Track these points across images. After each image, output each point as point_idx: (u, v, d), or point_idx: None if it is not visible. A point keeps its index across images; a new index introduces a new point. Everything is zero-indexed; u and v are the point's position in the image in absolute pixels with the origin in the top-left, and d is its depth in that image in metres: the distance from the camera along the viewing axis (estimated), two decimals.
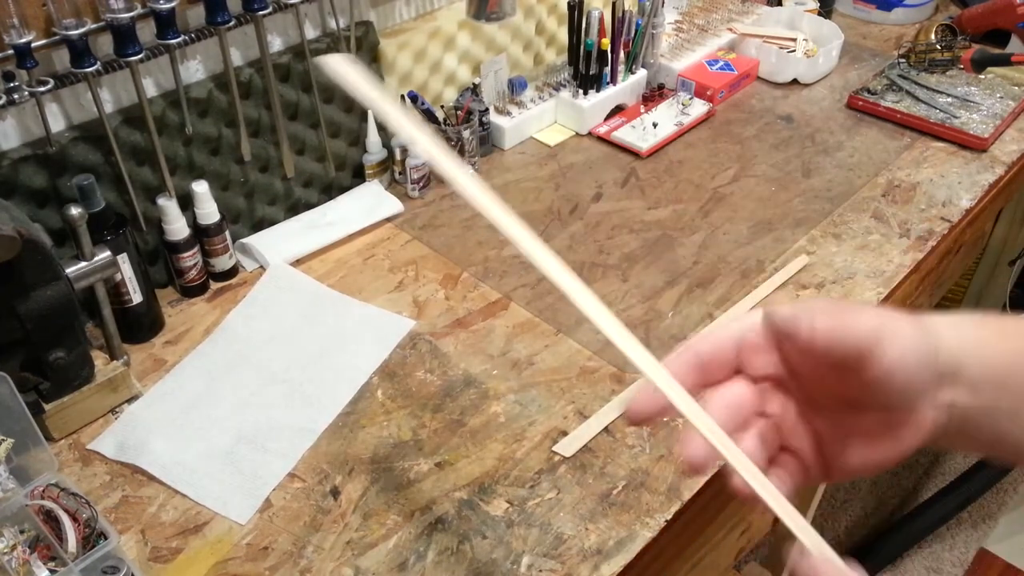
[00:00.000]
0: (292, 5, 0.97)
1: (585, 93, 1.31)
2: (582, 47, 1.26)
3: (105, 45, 0.87)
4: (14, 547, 0.68)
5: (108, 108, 0.91)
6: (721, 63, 1.43)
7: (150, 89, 0.94)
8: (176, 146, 0.97)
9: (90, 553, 0.68)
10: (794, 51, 1.46)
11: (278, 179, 1.09)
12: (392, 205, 1.15)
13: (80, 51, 0.83)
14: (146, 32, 0.88)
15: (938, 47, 1.42)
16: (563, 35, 1.34)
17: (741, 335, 0.41)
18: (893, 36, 1.61)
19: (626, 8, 1.30)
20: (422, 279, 1.05)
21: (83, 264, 0.83)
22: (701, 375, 0.41)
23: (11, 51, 0.79)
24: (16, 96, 0.80)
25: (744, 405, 0.41)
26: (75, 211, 0.79)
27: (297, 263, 1.07)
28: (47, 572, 0.67)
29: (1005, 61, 1.32)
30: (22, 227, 0.74)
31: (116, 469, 0.82)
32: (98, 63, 0.84)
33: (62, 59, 0.85)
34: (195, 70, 0.97)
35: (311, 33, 1.06)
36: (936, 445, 0.41)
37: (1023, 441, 0.40)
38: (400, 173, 1.19)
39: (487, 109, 1.25)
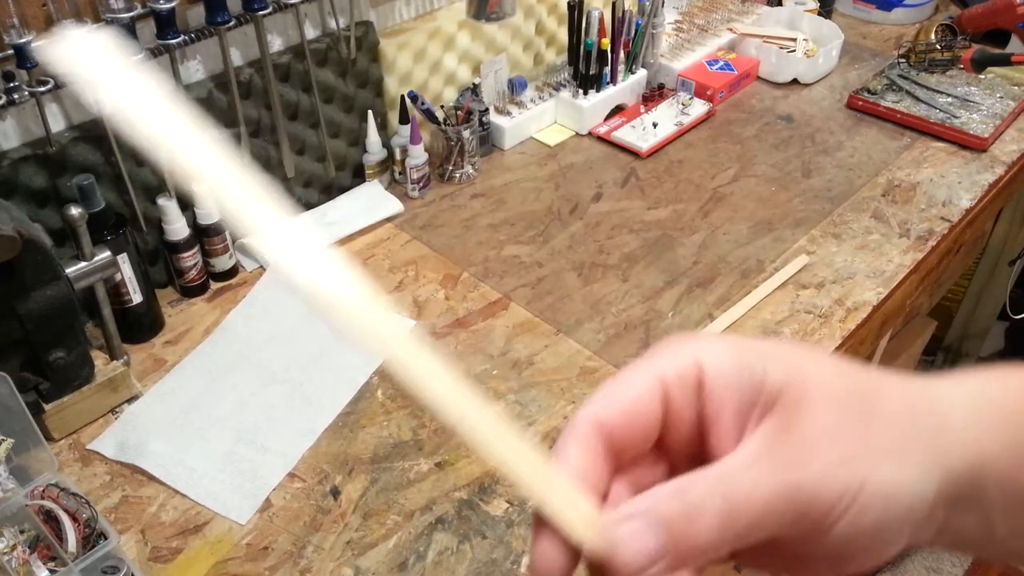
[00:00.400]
0: (292, 5, 0.97)
1: (585, 93, 1.31)
2: (582, 47, 1.26)
3: None
4: (14, 547, 0.68)
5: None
6: (721, 63, 1.43)
7: None
8: None
9: (90, 553, 0.68)
10: (794, 51, 1.46)
11: (278, 179, 1.09)
12: (392, 205, 1.15)
13: None
14: (146, 32, 0.88)
15: (938, 47, 1.42)
16: (563, 35, 1.34)
17: (664, 391, 0.27)
18: (893, 36, 1.61)
19: (626, 8, 1.30)
20: (422, 279, 1.05)
21: (83, 264, 0.83)
22: (610, 460, 0.27)
23: (11, 51, 0.79)
24: (16, 96, 0.80)
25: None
26: (75, 211, 0.79)
27: None
28: (47, 572, 0.67)
29: (1005, 61, 1.32)
30: (22, 227, 0.74)
31: (116, 469, 0.82)
32: None
33: None
34: (195, 70, 0.97)
35: (311, 33, 1.06)
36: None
37: (1012, 546, 0.28)
38: (400, 173, 1.19)
39: (487, 109, 1.25)
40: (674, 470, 0.29)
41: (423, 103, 1.16)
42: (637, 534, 0.24)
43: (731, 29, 1.51)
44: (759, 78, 1.47)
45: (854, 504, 0.25)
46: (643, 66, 1.38)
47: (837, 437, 0.25)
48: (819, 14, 1.56)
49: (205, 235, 1.00)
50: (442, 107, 1.21)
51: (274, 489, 0.80)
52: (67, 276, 0.80)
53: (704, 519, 0.24)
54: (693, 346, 0.28)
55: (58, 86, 0.83)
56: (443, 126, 1.18)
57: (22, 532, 0.70)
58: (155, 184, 0.96)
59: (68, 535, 0.69)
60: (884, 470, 0.25)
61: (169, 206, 0.96)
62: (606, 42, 1.26)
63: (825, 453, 0.25)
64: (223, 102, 0.99)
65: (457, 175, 1.21)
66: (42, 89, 0.81)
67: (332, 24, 1.06)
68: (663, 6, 1.36)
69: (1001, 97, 1.35)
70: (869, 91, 1.38)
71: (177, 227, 0.97)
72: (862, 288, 1.02)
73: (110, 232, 0.87)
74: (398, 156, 1.18)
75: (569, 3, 1.23)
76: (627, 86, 1.35)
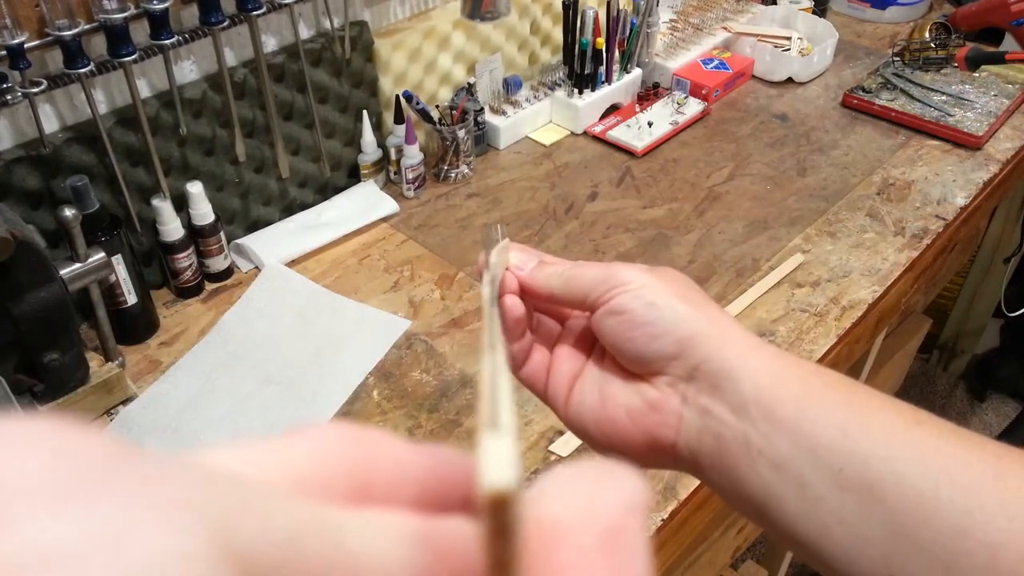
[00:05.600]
0: (286, 5, 0.97)
1: (580, 92, 1.31)
2: (577, 46, 1.26)
3: (98, 46, 0.87)
4: None
5: (102, 109, 0.91)
6: (716, 62, 1.43)
7: (144, 90, 0.94)
8: (170, 147, 0.97)
9: None
10: (789, 50, 1.46)
11: (273, 179, 1.09)
12: (387, 205, 1.14)
13: (73, 52, 0.82)
14: (140, 32, 0.88)
15: (932, 45, 1.43)
16: (558, 34, 1.34)
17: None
18: (887, 34, 1.61)
19: (621, 7, 1.30)
20: (417, 279, 1.05)
21: (77, 265, 0.82)
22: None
23: (4, 52, 0.79)
24: (9, 97, 0.80)
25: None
26: (69, 212, 0.79)
27: (292, 264, 1.07)
28: None
29: (999, 59, 1.32)
30: (16, 228, 0.74)
31: None
32: (91, 64, 0.84)
33: (55, 60, 0.85)
34: (189, 70, 0.97)
35: (305, 33, 1.06)
36: (691, 470, 0.38)
37: (768, 486, 0.34)
38: (395, 173, 1.19)
39: (482, 109, 1.25)
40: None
41: (418, 103, 1.16)
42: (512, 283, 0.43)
43: (726, 28, 1.51)
44: (754, 77, 1.47)
45: (610, 291, 0.38)
46: (638, 65, 1.38)
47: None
48: (814, 12, 1.56)
49: (200, 236, 0.99)
50: (437, 107, 1.20)
51: None
52: (61, 277, 0.80)
53: (541, 275, 0.42)
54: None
55: (52, 87, 0.83)
56: (438, 126, 1.18)
57: None
58: (149, 185, 0.96)
59: None
60: (643, 281, 0.38)
61: (164, 207, 0.95)
62: (601, 41, 1.26)
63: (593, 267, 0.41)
64: (217, 102, 0.98)
65: (452, 175, 1.21)
66: (35, 90, 0.81)
67: (326, 24, 1.06)
68: (658, 5, 1.36)
69: (995, 95, 1.35)
70: (864, 89, 1.38)
71: (172, 228, 0.97)
72: (857, 286, 1.02)
73: (104, 233, 0.87)
74: (393, 156, 1.18)
75: (564, 2, 1.23)
76: (622, 85, 1.35)
